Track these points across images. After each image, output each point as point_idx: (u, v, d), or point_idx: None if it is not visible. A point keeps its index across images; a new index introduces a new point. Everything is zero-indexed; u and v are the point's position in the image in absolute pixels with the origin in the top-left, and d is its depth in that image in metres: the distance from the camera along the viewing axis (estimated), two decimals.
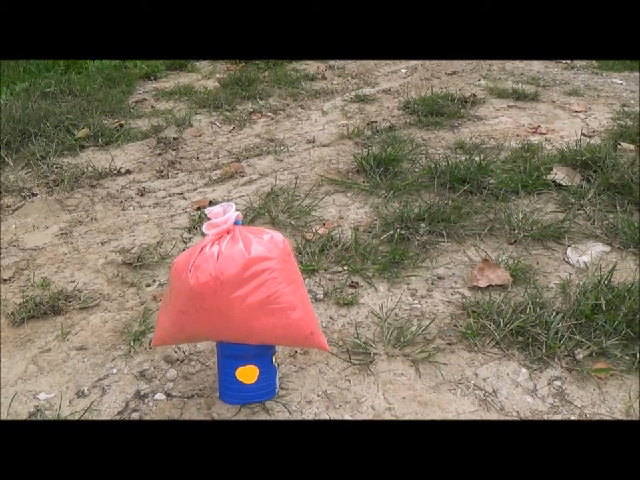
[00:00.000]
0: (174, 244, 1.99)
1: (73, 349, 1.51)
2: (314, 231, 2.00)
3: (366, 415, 1.28)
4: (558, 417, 1.26)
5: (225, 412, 1.28)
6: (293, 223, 2.08)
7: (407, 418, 1.27)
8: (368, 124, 3.05)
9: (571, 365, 1.39)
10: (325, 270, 1.80)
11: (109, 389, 1.36)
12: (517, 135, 2.88)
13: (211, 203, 2.28)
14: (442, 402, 1.31)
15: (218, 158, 2.72)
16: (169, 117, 3.18)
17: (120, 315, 1.63)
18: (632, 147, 2.65)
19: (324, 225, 2.07)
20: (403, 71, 4.14)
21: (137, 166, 2.66)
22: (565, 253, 1.86)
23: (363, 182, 2.37)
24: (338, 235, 1.96)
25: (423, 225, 2.00)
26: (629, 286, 1.59)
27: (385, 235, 1.93)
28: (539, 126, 2.99)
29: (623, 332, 1.43)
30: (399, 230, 1.93)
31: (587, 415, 1.27)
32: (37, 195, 2.38)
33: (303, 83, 3.85)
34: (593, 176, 2.28)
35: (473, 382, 1.36)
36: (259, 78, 3.90)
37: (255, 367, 1.25)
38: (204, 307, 1.15)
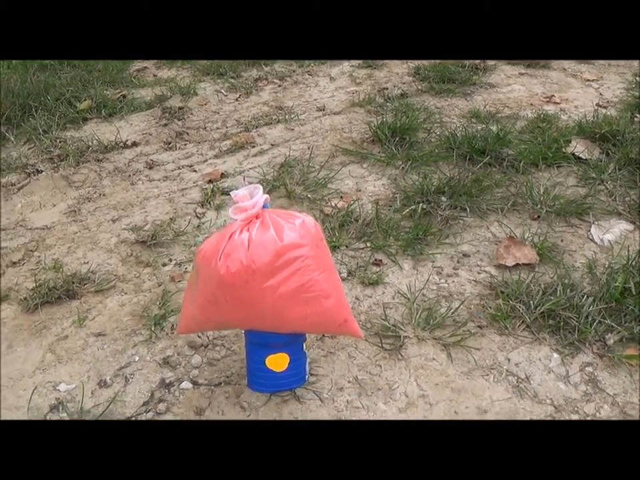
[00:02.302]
0: (188, 220, 1.94)
1: (91, 335, 1.46)
2: (332, 204, 1.95)
3: (399, 402, 1.25)
4: (591, 406, 1.24)
5: (255, 400, 1.25)
6: (309, 196, 2.02)
7: (440, 405, 1.24)
8: (379, 91, 2.96)
9: (602, 351, 1.36)
10: (347, 246, 1.76)
11: (132, 377, 1.32)
12: (531, 104, 2.80)
13: (223, 176, 2.22)
14: (475, 388, 1.28)
15: (226, 127, 2.64)
16: (172, 85, 3.07)
17: (138, 297, 1.58)
18: None
19: (342, 198, 2.02)
20: None
21: (143, 137, 2.58)
22: (589, 231, 1.81)
23: (379, 152, 2.30)
24: (358, 209, 1.91)
25: (443, 198, 1.95)
26: None
27: (407, 210, 1.87)
28: (553, 95, 2.91)
29: None
30: (421, 204, 1.88)
31: (619, 403, 1.24)
32: (42, 171, 2.31)
33: None
34: (612, 149, 2.22)
35: (505, 367, 1.33)
36: None
37: (285, 354, 1.22)
38: (235, 297, 1.10)
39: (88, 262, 1.74)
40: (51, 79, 3.08)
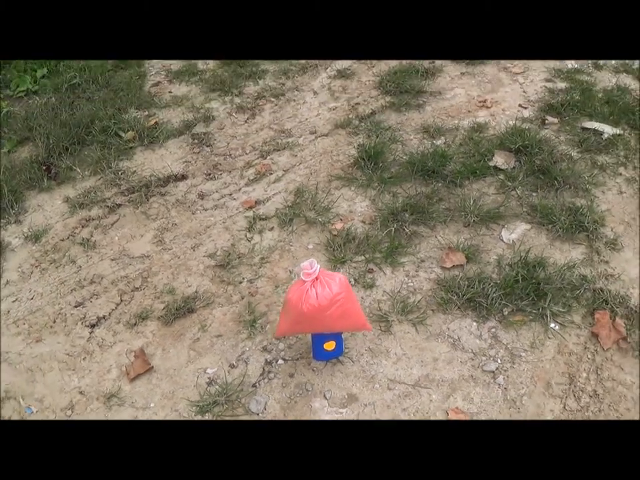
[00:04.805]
0: (243, 245, 2.96)
1: (213, 337, 2.52)
2: (337, 227, 2.98)
3: (393, 359, 2.37)
4: (493, 351, 2.38)
5: (319, 366, 2.36)
6: (320, 219, 3.05)
7: (414, 359, 2.37)
8: (352, 107, 3.92)
9: (500, 318, 2.49)
10: (351, 260, 2.82)
11: (248, 361, 2.41)
12: (469, 111, 3.81)
13: (257, 203, 3.22)
14: (431, 347, 2.41)
15: (246, 154, 3.60)
16: (188, 105, 4.00)
17: (232, 308, 2.64)
18: (556, 120, 3.62)
19: (341, 220, 3.06)
20: None
21: (185, 166, 3.52)
22: (500, 233, 2.91)
23: (361, 176, 3.32)
24: (353, 230, 2.95)
25: (407, 215, 3.00)
26: (538, 259, 2.67)
27: (385, 231, 2.93)
28: (486, 99, 3.91)
29: (531, 297, 2.52)
30: (393, 226, 2.93)
31: (509, 347, 2.39)
32: (120, 204, 3.26)
33: None
34: (523, 159, 3.28)
35: (447, 333, 2.46)
36: None
37: (333, 341, 2.31)
38: (310, 322, 2.17)
39: (190, 285, 2.77)
40: (87, 105, 3.96)
